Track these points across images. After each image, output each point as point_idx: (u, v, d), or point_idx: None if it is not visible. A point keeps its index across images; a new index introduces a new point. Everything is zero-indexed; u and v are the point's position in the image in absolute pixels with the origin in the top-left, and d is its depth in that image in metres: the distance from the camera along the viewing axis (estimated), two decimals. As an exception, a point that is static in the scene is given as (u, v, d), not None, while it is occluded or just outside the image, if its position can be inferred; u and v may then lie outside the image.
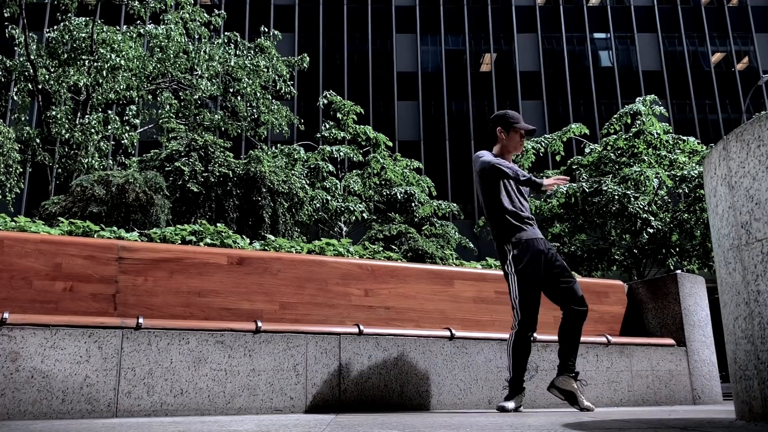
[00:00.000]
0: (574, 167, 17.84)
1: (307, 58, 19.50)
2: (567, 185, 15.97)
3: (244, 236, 4.73)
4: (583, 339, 4.82)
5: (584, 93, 33.96)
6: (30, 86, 16.62)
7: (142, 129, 18.65)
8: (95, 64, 15.65)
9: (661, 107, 17.10)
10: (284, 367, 3.73)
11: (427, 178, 20.40)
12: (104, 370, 3.29)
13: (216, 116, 18.59)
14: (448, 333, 4.29)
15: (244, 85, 17.75)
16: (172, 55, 17.01)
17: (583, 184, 16.12)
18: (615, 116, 17.79)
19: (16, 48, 17.39)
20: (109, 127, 16.45)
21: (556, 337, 4.69)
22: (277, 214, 12.21)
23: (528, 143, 17.76)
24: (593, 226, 16.47)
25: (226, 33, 18.77)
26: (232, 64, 17.59)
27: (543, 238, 3.79)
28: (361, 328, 4.03)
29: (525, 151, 17.63)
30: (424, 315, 4.47)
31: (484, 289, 4.85)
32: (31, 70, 16.02)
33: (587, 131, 17.75)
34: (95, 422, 2.81)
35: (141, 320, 3.44)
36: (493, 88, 34.09)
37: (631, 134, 16.67)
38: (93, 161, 15.76)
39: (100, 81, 15.62)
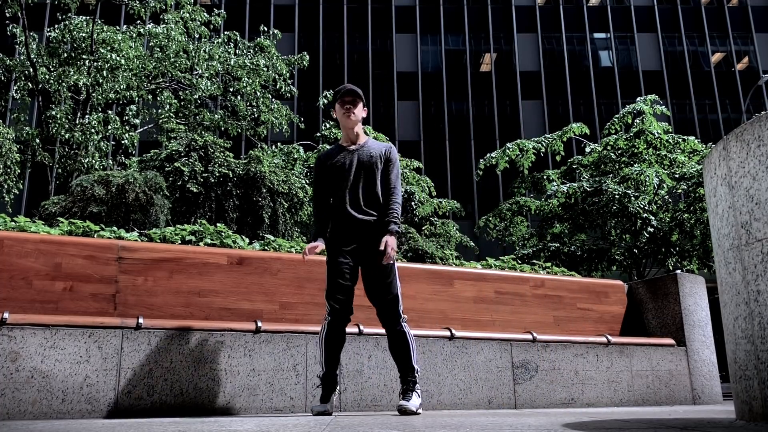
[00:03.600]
0: (574, 167, 17.84)
1: (307, 57, 19.49)
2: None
3: (243, 236, 4.72)
4: (583, 339, 4.83)
5: (584, 93, 33.96)
6: (30, 86, 16.62)
7: (142, 129, 18.64)
8: (95, 63, 15.65)
9: (663, 107, 17.10)
10: (284, 367, 3.72)
11: (427, 178, 20.41)
12: (104, 370, 3.29)
13: (216, 116, 18.58)
14: (448, 333, 4.29)
15: (244, 84, 17.75)
16: (172, 55, 17.01)
17: (584, 183, 16.12)
18: (617, 116, 17.79)
19: (16, 47, 17.39)
20: (109, 127, 16.44)
21: (556, 337, 4.70)
22: (276, 214, 12.21)
23: (528, 143, 17.75)
24: (593, 226, 16.46)
25: (225, 32, 18.78)
26: (232, 63, 17.59)
27: None
28: (361, 328, 4.03)
29: (525, 150, 17.63)
30: (424, 315, 4.47)
31: (484, 289, 4.85)
32: (31, 70, 16.02)
33: (587, 131, 17.74)
34: (95, 422, 2.81)
35: (141, 320, 3.43)
36: (493, 88, 34.09)
37: (631, 134, 16.67)
38: (93, 161, 15.75)
39: (100, 81, 15.62)
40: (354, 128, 3.57)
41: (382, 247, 3.31)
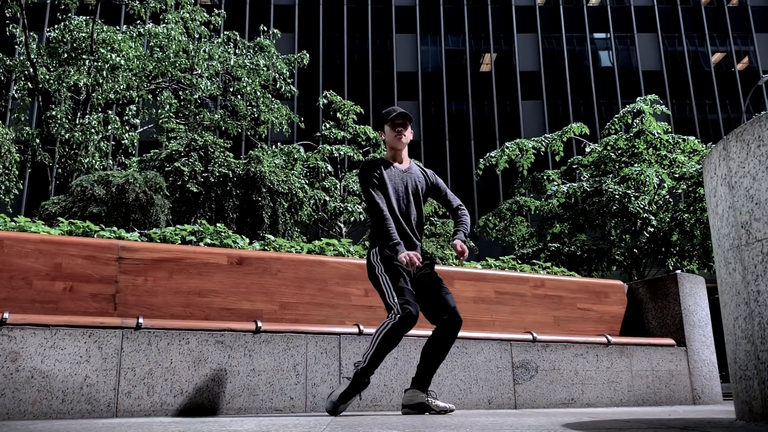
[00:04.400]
0: (574, 167, 17.84)
1: (307, 56, 19.49)
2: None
3: (243, 236, 4.72)
4: (583, 339, 4.83)
5: (584, 93, 33.97)
6: (30, 85, 16.62)
7: (142, 129, 18.65)
8: (95, 63, 15.65)
9: (663, 106, 17.11)
10: (284, 367, 3.72)
11: (427, 178, 20.37)
12: (104, 370, 3.29)
13: (216, 116, 18.59)
14: (448, 333, 4.29)
15: (244, 84, 17.75)
16: (171, 55, 17.01)
17: (584, 183, 16.12)
18: (616, 116, 17.79)
19: (16, 47, 17.39)
20: (109, 127, 16.45)
21: (556, 337, 4.70)
22: (276, 214, 12.21)
23: (528, 142, 17.75)
24: (593, 226, 16.46)
25: (225, 32, 18.78)
26: (232, 63, 17.59)
27: None
28: (361, 328, 4.03)
29: (524, 150, 17.62)
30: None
31: (484, 289, 4.85)
32: (31, 70, 16.02)
33: (587, 131, 17.75)
34: (95, 422, 2.81)
35: (141, 320, 3.44)
36: (493, 88, 34.09)
37: (631, 134, 16.67)
38: (93, 161, 15.76)
39: (100, 81, 15.62)
40: (402, 150, 3.63)
41: (459, 249, 3.43)
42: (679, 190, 15.96)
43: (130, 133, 16.99)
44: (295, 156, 18.35)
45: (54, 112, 15.44)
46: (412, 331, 4.18)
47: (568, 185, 16.49)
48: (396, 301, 3.20)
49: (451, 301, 3.42)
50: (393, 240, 3.31)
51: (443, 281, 3.52)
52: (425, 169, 3.73)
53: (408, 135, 3.61)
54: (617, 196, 15.29)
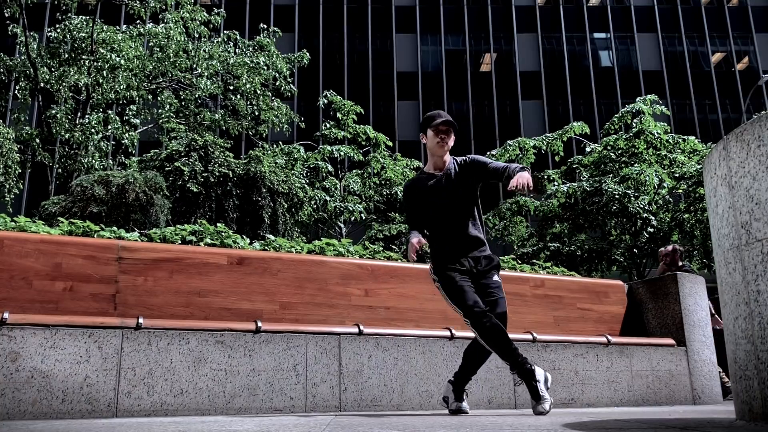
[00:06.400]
0: (574, 167, 17.85)
1: (307, 55, 19.48)
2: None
3: (243, 236, 4.72)
4: (583, 339, 4.83)
5: (584, 93, 33.96)
6: (31, 86, 16.61)
7: (142, 129, 18.64)
8: (95, 63, 15.64)
9: (663, 107, 17.11)
10: (284, 367, 3.72)
11: (428, 178, 20.38)
12: (104, 370, 3.29)
13: (216, 115, 18.58)
14: (448, 333, 4.29)
15: (244, 82, 17.74)
16: (171, 55, 17.01)
17: (584, 183, 16.12)
18: (616, 116, 17.80)
19: (17, 46, 17.39)
20: (109, 126, 16.44)
21: (556, 337, 4.70)
22: (276, 214, 12.21)
23: (529, 141, 17.76)
24: (593, 226, 16.46)
25: (225, 32, 18.77)
26: (232, 62, 17.59)
27: None
28: (361, 328, 4.03)
29: (525, 150, 17.63)
30: (424, 315, 4.47)
31: (484, 289, 4.85)
32: (32, 70, 16.01)
33: (588, 130, 17.75)
34: (95, 422, 2.81)
35: (141, 320, 3.43)
36: (493, 88, 34.09)
37: (631, 134, 16.68)
38: (93, 161, 15.75)
39: (100, 81, 15.62)
40: (444, 156, 3.55)
41: (524, 180, 3.19)
42: (679, 190, 15.96)
43: (130, 133, 16.99)
44: (296, 156, 18.35)
45: (54, 112, 15.44)
46: (413, 331, 4.19)
47: (568, 185, 16.49)
48: (458, 308, 3.29)
49: (497, 306, 3.33)
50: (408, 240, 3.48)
51: (498, 286, 3.42)
52: (458, 158, 3.60)
53: (450, 143, 3.55)
54: (617, 196, 15.29)
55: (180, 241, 4.35)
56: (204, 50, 17.40)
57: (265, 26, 19.37)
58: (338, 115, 19.51)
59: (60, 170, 16.18)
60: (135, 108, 17.81)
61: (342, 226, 19.39)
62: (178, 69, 17.50)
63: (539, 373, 3.22)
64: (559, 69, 34.39)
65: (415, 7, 35.32)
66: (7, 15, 16.26)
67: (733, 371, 2.31)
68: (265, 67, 18.01)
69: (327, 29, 34.56)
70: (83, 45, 16.22)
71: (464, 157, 3.60)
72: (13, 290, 3.42)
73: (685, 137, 16.68)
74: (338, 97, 19.56)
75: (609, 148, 16.98)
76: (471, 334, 4.43)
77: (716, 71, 34.43)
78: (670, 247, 7.22)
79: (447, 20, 35.21)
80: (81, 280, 3.58)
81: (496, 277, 3.44)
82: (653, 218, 15.64)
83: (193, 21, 17.62)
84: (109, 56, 15.44)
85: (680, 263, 7.11)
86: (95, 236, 4.07)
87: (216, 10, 18.36)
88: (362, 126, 19.61)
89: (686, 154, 16.54)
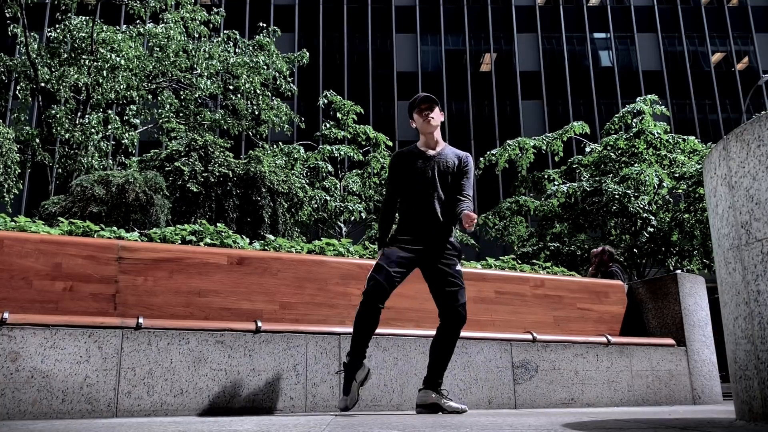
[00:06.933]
0: (574, 167, 17.85)
1: (307, 54, 19.48)
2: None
3: (243, 236, 4.72)
4: (583, 339, 4.83)
5: (584, 93, 33.97)
6: (31, 86, 16.62)
7: (142, 129, 18.65)
8: (95, 63, 15.64)
9: (662, 107, 17.11)
10: (284, 367, 3.72)
11: (427, 178, 20.36)
12: (104, 370, 3.29)
13: (216, 115, 18.58)
14: (448, 333, 4.28)
15: (244, 82, 17.74)
16: (171, 54, 17.01)
17: (584, 183, 16.12)
18: (616, 116, 17.80)
19: (17, 46, 17.39)
20: (109, 126, 16.44)
21: (556, 337, 4.70)
22: (276, 214, 12.21)
23: (529, 141, 17.76)
24: (593, 226, 16.46)
25: (225, 32, 18.77)
26: (231, 62, 17.59)
27: None
28: (361, 328, 4.03)
29: (525, 149, 17.63)
30: (424, 315, 4.46)
31: (484, 289, 4.85)
32: (32, 70, 16.01)
33: (588, 130, 17.76)
34: (95, 422, 2.81)
35: (141, 320, 3.44)
36: (493, 88, 34.09)
37: (631, 134, 16.68)
38: (93, 161, 15.75)
39: (100, 81, 15.62)
40: (433, 133, 3.62)
41: (465, 223, 3.29)
42: (679, 190, 15.97)
43: (130, 133, 16.99)
44: (295, 156, 18.35)
45: (54, 112, 15.44)
46: (413, 331, 4.18)
47: (568, 185, 16.49)
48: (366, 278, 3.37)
49: (455, 297, 3.41)
50: (378, 238, 3.61)
51: (458, 276, 3.46)
52: (461, 152, 3.67)
53: (436, 116, 3.60)
54: (617, 196, 15.29)
55: (180, 241, 4.35)
56: (204, 50, 17.40)
57: (265, 25, 19.37)
58: (338, 115, 19.51)
59: (60, 170, 16.19)
60: (135, 108, 17.81)
61: (342, 226, 19.39)
62: (178, 69, 17.51)
63: (360, 374, 3.32)
64: (559, 69, 34.39)
65: (415, 7, 35.32)
66: (7, 15, 16.26)
67: (733, 371, 2.31)
68: (265, 67, 18.02)
69: (327, 29, 34.57)
70: (83, 45, 16.22)
71: (466, 156, 3.65)
72: (13, 290, 3.42)
73: (685, 137, 16.68)
74: (338, 97, 19.56)
75: (609, 148, 16.98)
76: (471, 334, 4.43)
77: (716, 71, 34.43)
78: (599, 249, 7.32)
79: (447, 20, 35.21)
80: (81, 280, 3.58)
81: (458, 267, 3.49)
82: (653, 218, 15.64)
83: (193, 21, 17.62)
84: (109, 56, 15.45)
85: (610, 265, 7.19)
86: (95, 236, 4.07)
87: (216, 10, 18.36)
88: (362, 126, 19.62)
89: (686, 154, 16.54)
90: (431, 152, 3.60)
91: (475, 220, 3.32)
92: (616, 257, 7.53)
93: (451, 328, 3.43)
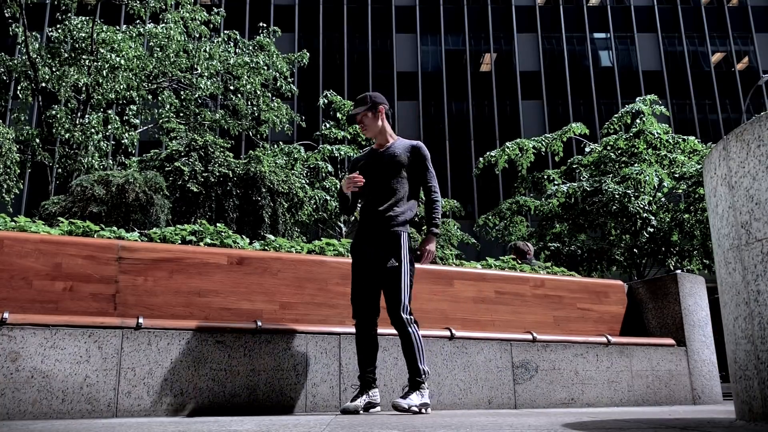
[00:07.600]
0: (574, 167, 17.84)
1: (307, 54, 19.48)
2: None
3: (243, 236, 4.72)
4: (583, 339, 4.83)
5: (584, 93, 33.96)
6: (31, 86, 16.61)
7: (142, 129, 18.64)
8: (95, 63, 15.64)
9: (662, 107, 17.11)
10: (284, 367, 3.72)
11: (427, 178, 20.37)
12: (104, 370, 3.29)
13: (216, 115, 18.58)
14: (448, 333, 4.29)
15: (244, 82, 17.74)
16: (171, 55, 17.01)
17: (584, 183, 16.12)
18: (616, 116, 17.80)
19: (17, 46, 17.39)
20: (109, 126, 16.44)
21: (556, 337, 4.70)
22: (276, 214, 12.20)
23: (528, 142, 17.75)
24: (593, 226, 16.46)
25: (225, 32, 18.77)
26: (232, 62, 17.59)
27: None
28: (361, 328, 4.03)
29: (524, 150, 17.62)
30: (424, 315, 4.46)
31: (484, 289, 4.85)
32: (32, 70, 16.01)
33: (587, 131, 17.75)
34: (95, 422, 2.81)
35: (141, 320, 3.44)
36: (493, 88, 34.08)
37: (631, 134, 16.67)
38: (93, 161, 15.75)
39: (101, 81, 15.62)
40: (377, 134, 3.77)
41: (423, 260, 3.55)
42: (679, 190, 15.96)
43: (130, 133, 16.99)
44: (296, 156, 18.34)
45: (54, 112, 15.44)
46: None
47: (568, 185, 16.49)
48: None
49: (391, 300, 3.40)
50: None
51: (393, 273, 3.41)
52: (414, 142, 3.74)
53: (368, 122, 3.72)
54: (617, 196, 15.29)
55: (180, 241, 4.35)
56: (204, 50, 17.40)
57: (265, 25, 19.37)
58: (338, 115, 19.50)
59: (60, 170, 16.18)
60: (135, 108, 17.80)
61: (342, 226, 19.38)
62: (178, 69, 17.50)
63: (372, 399, 3.48)
64: (559, 69, 34.39)
65: (415, 7, 35.32)
66: (7, 15, 16.26)
67: (733, 371, 2.31)
68: (265, 67, 18.02)
69: (327, 29, 34.56)
70: (83, 45, 16.22)
71: (418, 144, 3.72)
72: (13, 290, 3.42)
73: (685, 137, 16.67)
74: (338, 97, 19.55)
75: (609, 148, 16.97)
76: (471, 334, 4.43)
77: (716, 71, 34.42)
78: (518, 244, 7.46)
79: (447, 20, 35.21)
80: (81, 280, 3.58)
81: (392, 262, 3.44)
82: (653, 218, 15.64)
83: (193, 21, 17.62)
84: (109, 56, 15.44)
85: (529, 257, 7.30)
86: (95, 236, 4.07)
87: (216, 10, 18.36)
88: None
89: (686, 154, 16.53)
90: (380, 150, 3.73)
91: (433, 257, 3.52)
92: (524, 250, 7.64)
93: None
